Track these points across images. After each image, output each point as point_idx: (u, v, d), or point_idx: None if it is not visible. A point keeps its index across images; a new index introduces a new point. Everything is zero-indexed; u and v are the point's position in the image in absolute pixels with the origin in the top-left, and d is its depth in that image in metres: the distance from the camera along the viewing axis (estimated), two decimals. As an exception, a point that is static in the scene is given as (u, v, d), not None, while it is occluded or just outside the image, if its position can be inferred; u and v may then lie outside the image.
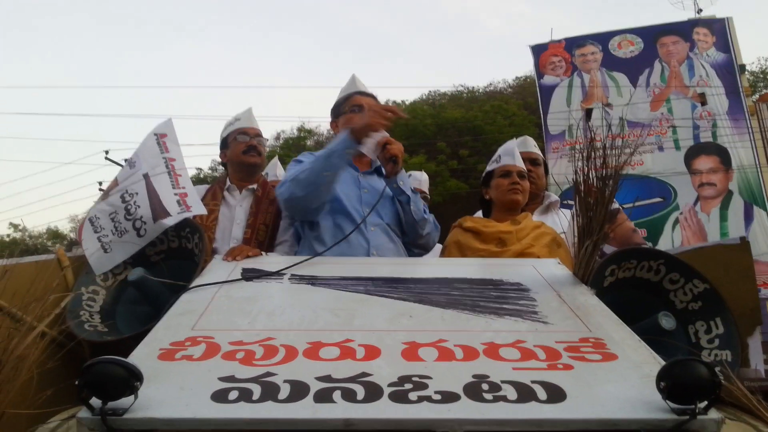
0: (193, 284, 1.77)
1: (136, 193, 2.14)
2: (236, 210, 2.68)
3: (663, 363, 1.29)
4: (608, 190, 1.76)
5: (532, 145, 3.18)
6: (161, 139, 2.31)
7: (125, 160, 2.45)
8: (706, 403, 1.08)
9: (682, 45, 11.38)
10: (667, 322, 1.74)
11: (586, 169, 1.80)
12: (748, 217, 9.88)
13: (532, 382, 1.20)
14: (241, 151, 2.83)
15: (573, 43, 12.18)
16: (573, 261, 1.97)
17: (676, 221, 10.24)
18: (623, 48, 11.85)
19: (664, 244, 9.86)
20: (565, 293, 1.74)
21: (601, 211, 1.75)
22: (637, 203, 8.95)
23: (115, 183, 2.27)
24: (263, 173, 3.08)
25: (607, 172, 1.79)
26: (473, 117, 19.89)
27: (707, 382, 1.08)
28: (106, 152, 18.81)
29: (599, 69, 11.86)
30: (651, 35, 11.70)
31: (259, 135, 2.88)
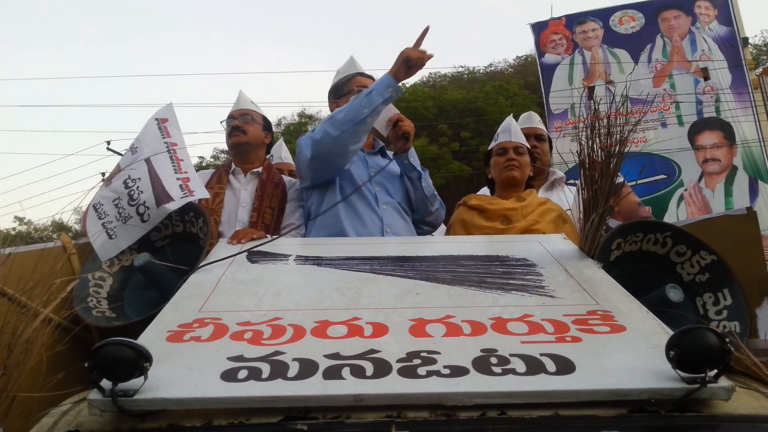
0: (200, 265, 1.77)
1: (139, 179, 2.13)
2: (241, 193, 2.69)
3: (672, 333, 1.29)
4: (613, 162, 1.75)
5: (536, 121, 3.17)
6: (162, 123, 2.31)
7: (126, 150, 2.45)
8: (716, 371, 1.08)
9: (683, 19, 11.24)
10: (674, 294, 1.73)
11: (591, 142, 1.79)
12: (753, 192, 9.83)
13: (541, 354, 1.20)
14: (227, 135, 2.91)
15: (573, 20, 12.05)
16: (579, 237, 1.97)
17: (681, 198, 10.20)
18: (624, 24, 11.72)
19: (669, 220, 9.74)
20: (571, 267, 1.73)
21: (606, 183, 1.74)
22: (641, 180, 8.91)
23: (118, 169, 2.26)
24: (268, 156, 3.08)
25: (611, 144, 1.78)
26: (474, 98, 19.79)
27: (717, 350, 1.07)
28: (108, 143, 18.79)
29: (600, 46, 11.73)
30: (652, 10, 11.56)
31: (245, 114, 2.90)
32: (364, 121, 2.32)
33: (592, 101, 1.88)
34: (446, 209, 2.77)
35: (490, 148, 2.77)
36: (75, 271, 2.01)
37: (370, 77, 2.74)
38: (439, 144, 17.91)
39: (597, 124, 1.81)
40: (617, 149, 1.74)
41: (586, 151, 1.83)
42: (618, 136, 1.78)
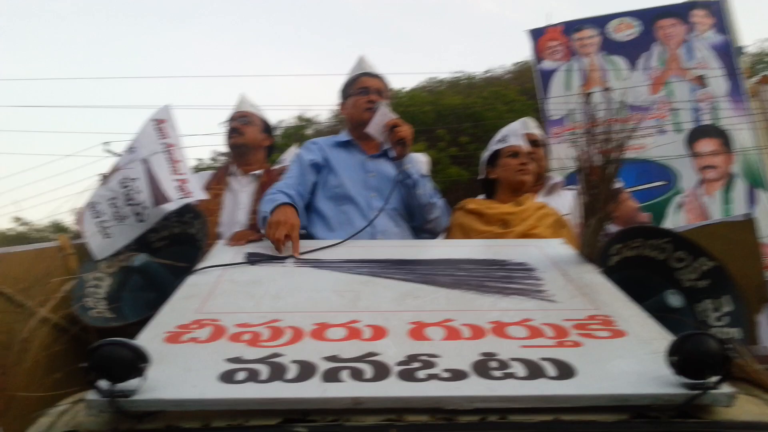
0: (199, 267, 1.76)
1: (136, 179, 2.12)
2: (240, 195, 2.69)
3: (671, 338, 1.29)
4: (612, 166, 1.75)
5: (533, 126, 3.17)
6: (159, 125, 2.30)
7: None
8: (718, 377, 1.07)
9: (680, 27, 11.28)
10: (674, 300, 1.72)
11: (589, 146, 1.79)
12: (752, 200, 9.86)
13: (541, 359, 1.20)
14: (226, 136, 2.97)
15: (571, 27, 12.05)
16: (577, 242, 1.96)
17: (679, 204, 10.22)
18: (621, 31, 11.74)
19: (668, 227, 9.76)
20: (570, 272, 1.73)
21: (605, 188, 1.74)
22: (639, 187, 8.93)
23: (115, 169, 2.25)
24: (279, 160, 3.11)
25: (610, 149, 1.78)
26: (472, 103, 19.81)
27: (718, 356, 1.07)
28: (106, 144, 18.76)
29: (598, 53, 11.76)
30: (649, 18, 11.59)
31: (244, 116, 2.95)
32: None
33: (590, 106, 1.87)
34: (445, 214, 2.73)
35: (497, 148, 2.73)
36: (72, 272, 2.00)
37: (377, 77, 2.72)
38: (437, 149, 17.91)
39: (595, 130, 1.81)
40: (616, 154, 1.74)
41: (584, 156, 1.83)
42: (616, 141, 1.78)
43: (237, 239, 2.07)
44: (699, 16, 11.36)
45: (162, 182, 2.10)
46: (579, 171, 1.83)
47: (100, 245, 2.09)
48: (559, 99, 11.41)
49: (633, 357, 1.23)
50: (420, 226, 2.58)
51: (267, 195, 2.34)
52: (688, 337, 1.10)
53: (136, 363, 1.07)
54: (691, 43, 11.17)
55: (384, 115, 2.46)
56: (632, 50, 11.49)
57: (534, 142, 3.02)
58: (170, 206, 2.03)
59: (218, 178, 2.77)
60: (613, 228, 2.04)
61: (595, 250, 1.79)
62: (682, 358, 1.08)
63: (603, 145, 1.75)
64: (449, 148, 18.39)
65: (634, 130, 1.80)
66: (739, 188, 10.08)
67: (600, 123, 1.79)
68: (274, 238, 1.99)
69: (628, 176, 1.96)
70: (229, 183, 2.76)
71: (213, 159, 21.77)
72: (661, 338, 1.31)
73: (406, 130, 2.44)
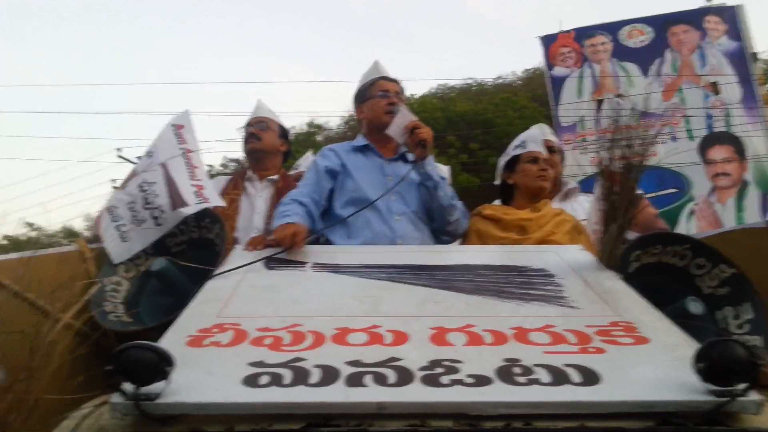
0: (218, 272, 1.77)
1: (154, 183, 2.14)
2: (257, 200, 2.71)
3: (697, 345, 1.28)
4: (633, 172, 1.74)
5: (548, 133, 3.16)
6: (178, 130, 2.31)
7: (138, 158, 2.46)
8: (745, 384, 1.06)
9: (693, 33, 11.23)
10: (694, 307, 1.71)
11: (611, 152, 1.78)
12: (765, 208, 9.77)
13: (565, 365, 1.19)
14: (243, 141, 2.99)
15: (583, 34, 12.05)
16: (594, 248, 1.95)
17: (692, 212, 10.15)
18: (633, 37, 11.71)
19: (680, 234, 9.71)
20: (590, 278, 1.72)
21: (627, 193, 1.73)
22: (651, 194, 8.87)
23: (134, 173, 2.27)
24: (295, 166, 3.12)
25: (631, 155, 1.77)
26: (483, 110, 19.79)
27: (746, 363, 1.06)
28: (119, 150, 18.88)
29: (610, 59, 11.74)
30: (662, 24, 11.56)
31: (261, 121, 2.96)
32: None
33: (611, 112, 1.87)
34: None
35: (516, 154, 2.70)
36: (92, 276, 2.01)
37: (394, 81, 2.72)
38: (447, 155, 17.91)
39: (616, 135, 1.80)
40: (637, 160, 1.73)
41: (605, 162, 1.82)
42: (638, 147, 1.77)
43: (254, 244, 2.07)
44: (712, 22, 11.31)
45: (180, 187, 2.11)
46: (599, 177, 1.82)
47: (118, 249, 2.10)
48: (571, 105, 11.40)
49: (657, 363, 1.22)
50: (440, 229, 2.57)
51: (282, 205, 2.35)
52: (715, 343, 1.09)
53: (161, 366, 1.07)
54: (704, 49, 11.13)
55: (404, 117, 2.45)
56: (644, 56, 11.45)
57: (550, 148, 3.01)
58: (188, 210, 2.04)
59: (234, 183, 2.79)
60: (631, 235, 2.04)
61: (615, 256, 1.78)
62: (709, 365, 1.07)
63: (624, 151, 1.74)
64: (459, 155, 18.37)
65: (656, 136, 1.79)
66: (753, 195, 10.00)
67: (621, 129, 1.78)
68: (279, 237, 2.00)
69: (642, 183, 1.95)
70: (246, 188, 2.77)
71: (223, 165, 21.87)
72: (686, 345, 1.30)
73: (426, 131, 2.44)
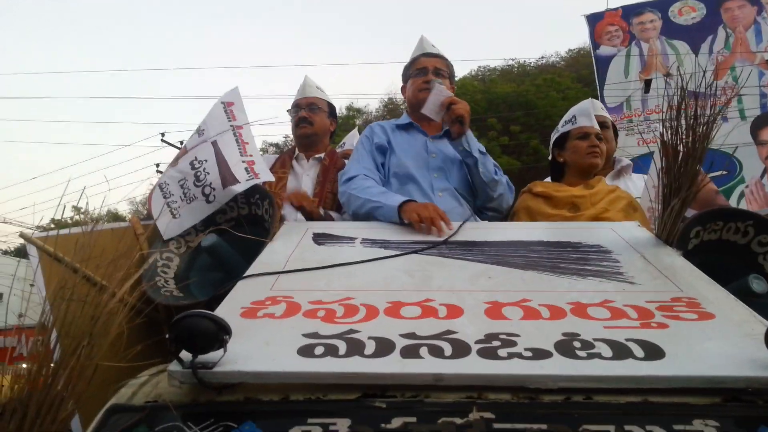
0: (267, 246, 1.78)
1: (205, 160, 2.15)
2: (303, 178, 2.70)
3: (766, 322, 1.23)
4: (698, 148, 1.67)
5: (599, 108, 3.07)
6: (228, 107, 2.32)
7: (180, 142, 2.48)
8: (822, 361, 1.01)
9: (748, 9, 10.79)
10: (758, 284, 1.64)
11: (674, 128, 1.71)
12: (819, 190, 9.40)
13: (627, 340, 1.16)
14: (294, 125, 2.90)
15: (630, 11, 11.71)
16: (650, 225, 1.89)
17: (742, 194, 9.82)
18: (684, 14, 11.32)
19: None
20: (649, 254, 1.66)
21: (690, 169, 1.66)
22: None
23: (185, 150, 2.29)
24: (341, 144, 3.07)
25: (697, 131, 1.70)
26: (524, 92, 19.49)
27: (822, 340, 1.01)
28: (162, 134, 19.25)
29: (658, 37, 11.37)
30: (714, 0, 11.14)
31: (312, 103, 2.88)
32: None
33: (672, 89, 1.79)
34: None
35: (565, 130, 2.62)
36: (144, 252, 2.04)
37: (436, 56, 2.68)
38: (488, 138, 17.71)
39: (683, 110, 1.73)
40: (703, 131, 1.66)
41: (667, 136, 1.75)
42: (703, 123, 1.70)
43: (297, 200, 2.08)
44: (770, -5, 10.84)
45: (231, 163, 2.12)
46: (662, 149, 1.75)
47: (168, 225, 2.12)
48: (617, 86, 11.10)
49: (724, 339, 1.17)
50: (484, 204, 2.52)
51: (361, 179, 2.35)
52: (790, 318, 1.04)
53: (219, 335, 1.08)
54: (760, 25, 10.69)
55: (439, 93, 2.40)
56: (695, 34, 11.06)
57: (602, 123, 2.91)
58: (239, 187, 2.05)
59: (282, 162, 2.78)
60: (689, 213, 1.97)
61: (674, 232, 1.72)
62: (783, 342, 1.02)
63: (691, 124, 1.67)
64: (500, 137, 18.14)
65: (720, 112, 1.71)
66: (808, 178, 9.62)
67: (684, 105, 1.71)
68: (425, 216, 2.00)
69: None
70: (293, 167, 2.77)
71: (263, 149, 22.07)
72: (753, 321, 1.25)
73: (463, 106, 2.38)
